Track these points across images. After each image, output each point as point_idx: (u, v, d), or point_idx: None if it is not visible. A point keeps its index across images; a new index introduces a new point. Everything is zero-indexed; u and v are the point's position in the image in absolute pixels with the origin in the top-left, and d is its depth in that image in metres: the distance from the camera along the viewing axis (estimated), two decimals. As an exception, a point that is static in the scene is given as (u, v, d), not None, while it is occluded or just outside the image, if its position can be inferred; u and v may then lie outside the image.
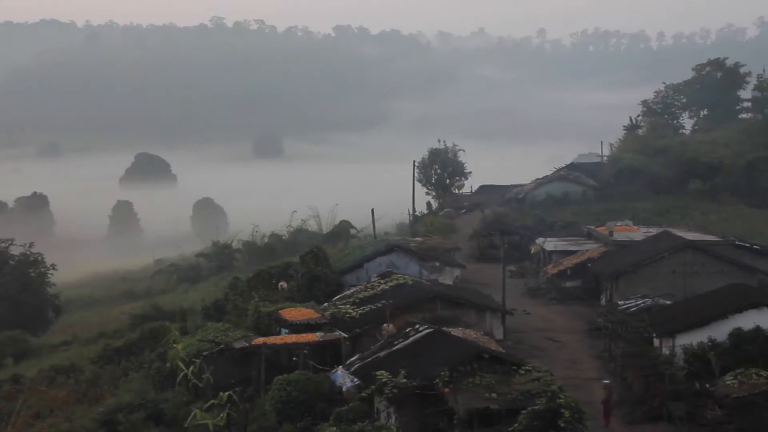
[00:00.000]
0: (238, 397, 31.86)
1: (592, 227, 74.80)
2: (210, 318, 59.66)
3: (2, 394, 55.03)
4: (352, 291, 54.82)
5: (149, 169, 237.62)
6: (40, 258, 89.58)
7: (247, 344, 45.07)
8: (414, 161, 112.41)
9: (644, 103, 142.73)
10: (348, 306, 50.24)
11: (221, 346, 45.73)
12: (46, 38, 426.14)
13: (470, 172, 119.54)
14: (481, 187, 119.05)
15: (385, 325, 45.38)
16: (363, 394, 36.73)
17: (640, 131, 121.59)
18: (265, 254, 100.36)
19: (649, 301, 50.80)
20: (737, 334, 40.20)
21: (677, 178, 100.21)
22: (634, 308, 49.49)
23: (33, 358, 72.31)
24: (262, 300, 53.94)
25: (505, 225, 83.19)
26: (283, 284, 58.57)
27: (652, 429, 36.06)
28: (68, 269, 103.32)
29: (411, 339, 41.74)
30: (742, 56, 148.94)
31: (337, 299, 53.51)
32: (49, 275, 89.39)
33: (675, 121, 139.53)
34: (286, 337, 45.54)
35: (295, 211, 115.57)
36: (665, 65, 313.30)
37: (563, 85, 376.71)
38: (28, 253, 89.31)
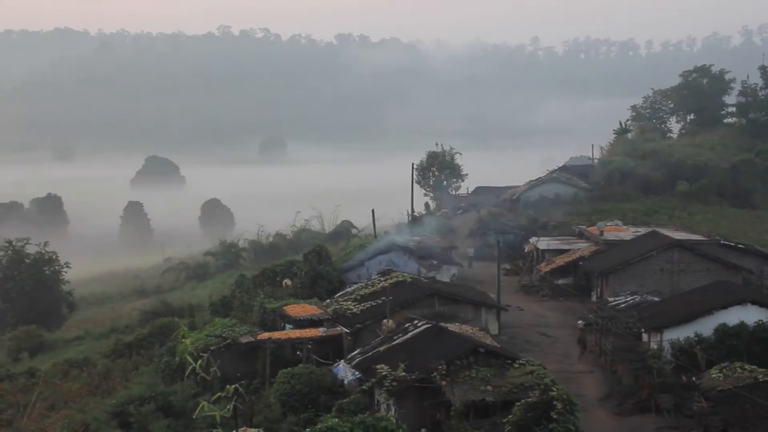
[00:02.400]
0: (244, 390, 31.91)
1: (584, 227, 74.79)
2: (217, 314, 59.67)
3: (18, 386, 55.06)
4: (353, 288, 54.85)
5: (159, 171, 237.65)
6: (54, 257, 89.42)
7: (252, 339, 45.10)
8: (413, 164, 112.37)
9: (633, 108, 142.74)
10: (349, 302, 50.28)
11: (228, 341, 45.75)
12: (61, 46, 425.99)
13: (466, 174, 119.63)
14: (477, 188, 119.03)
15: (384, 320, 45.40)
16: (364, 387, 36.80)
17: (629, 135, 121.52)
18: (270, 253, 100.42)
19: (637, 298, 50.84)
20: (722, 330, 40.25)
21: (665, 180, 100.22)
22: (624, 304, 49.51)
23: (48, 352, 72.22)
24: (267, 297, 53.97)
25: (500, 225, 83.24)
26: (287, 282, 58.62)
27: (640, 420, 36.09)
28: (81, 267, 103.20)
29: (410, 334, 41.78)
30: (726, 63, 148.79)
31: (339, 296, 53.54)
32: (63, 273, 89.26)
33: (663, 126, 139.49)
34: (290, 333, 45.58)
35: (298, 212, 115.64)
36: (653, 72, 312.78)
37: (556, 90, 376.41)
38: (43, 252, 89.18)
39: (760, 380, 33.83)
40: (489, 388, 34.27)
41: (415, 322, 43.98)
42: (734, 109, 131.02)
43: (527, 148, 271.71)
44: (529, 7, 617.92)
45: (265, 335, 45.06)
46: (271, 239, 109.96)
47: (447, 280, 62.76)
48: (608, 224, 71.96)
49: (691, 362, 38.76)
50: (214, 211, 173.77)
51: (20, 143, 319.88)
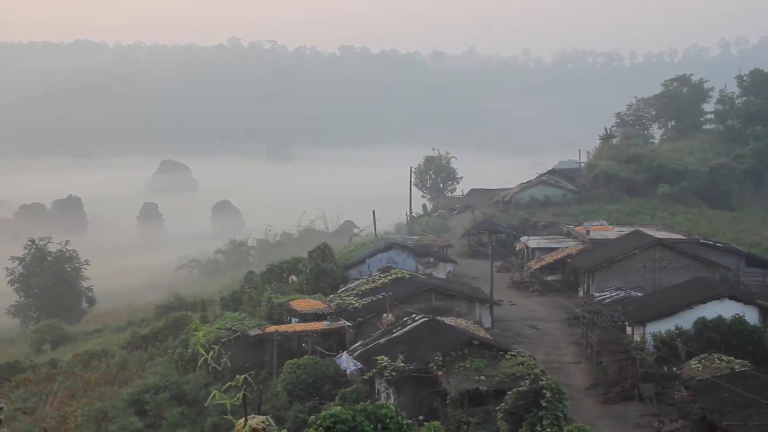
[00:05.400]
0: (252, 380, 31.86)
1: (571, 227, 74.72)
2: (227, 308, 59.61)
3: (41, 376, 55.06)
4: (355, 284, 54.78)
5: (173, 174, 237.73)
6: (74, 254, 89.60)
7: (260, 332, 45.08)
8: (411, 167, 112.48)
9: (618, 115, 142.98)
10: (351, 297, 50.24)
11: (237, 334, 45.74)
12: (81, 57, 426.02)
13: (461, 177, 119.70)
14: (471, 190, 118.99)
15: (384, 314, 45.39)
16: (365, 377, 36.79)
17: (614, 140, 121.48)
18: (277, 251, 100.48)
19: (622, 293, 50.83)
20: (701, 323, 40.27)
21: (647, 182, 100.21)
22: (609, 299, 49.50)
23: (68, 344, 72.26)
24: (274, 292, 53.90)
25: (492, 225, 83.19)
26: (293, 278, 58.50)
27: (624, 408, 36.10)
28: (100, 264, 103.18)
29: (408, 327, 41.78)
30: (705, 73, 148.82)
31: (342, 291, 53.49)
32: (82, 270, 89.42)
33: (645, 132, 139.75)
34: (296, 326, 45.56)
35: (304, 212, 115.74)
36: (637, 81, 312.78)
37: (545, 98, 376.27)
38: (64, 250, 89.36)
39: (737, 370, 33.84)
40: (482, 377, 34.28)
41: (413, 315, 43.99)
42: (713, 116, 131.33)
43: (519, 153, 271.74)
44: (521, 20, 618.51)
45: (273, 328, 45.05)
46: (278, 238, 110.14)
47: (443, 276, 62.71)
48: (594, 224, 71.94)
49: (672, 354, 38.75)
50: (224, 211, 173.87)
51: (43, 148, 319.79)
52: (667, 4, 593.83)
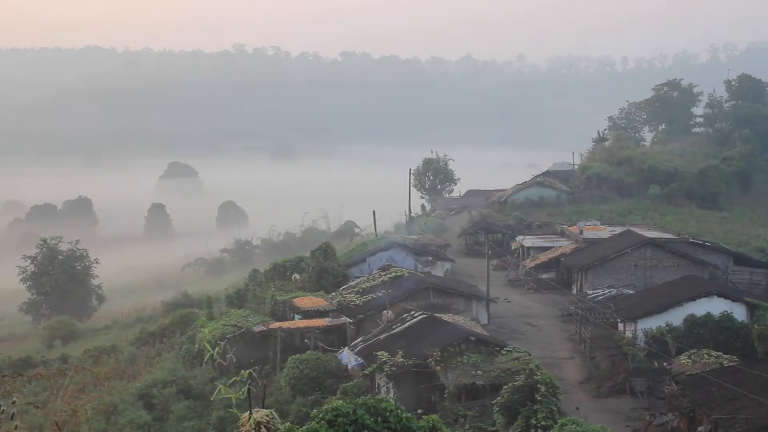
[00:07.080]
0: (257, 374, 31.90)
1: (565, 226, 74.72)
2: (233, 305, 59.63)
3: (52, 371, 54.97)
4: (356, 282, 54.81)
5: (180, 175, 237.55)
6: (85, 253, 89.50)
7: (265, 328, 45.11)
8: (410, 169, 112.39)
9: (610, 118, 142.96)
10: (352, 295, 50.27)
11: (242, 330, 45.77)
12: (90, 62, 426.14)
13: (459, 179, 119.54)
14: (469, 191, 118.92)
15: (384, 311, 45.42)
16: (366, 372, 36.83)
17: (606, 143, 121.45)
18: (280, 250, 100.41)
19: (614, 291, 50.83)
20: (691, 320, 40.30)
21: (639, 183, 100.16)
22: (601, 297, 49.50)
23: (79, 340, 72.17)
24: (277, 290, 53.90)
25: (489, 225, 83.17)
26: (296, 276, 58.51)
27: (616, 402, 36.13)
28: (109, 263, 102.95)
29: (407, 324, 41.80)
30: (695, 78, 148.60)
31: (343, 289, 53.50)
32: (92, 268, 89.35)
33: (637, 135, 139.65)
34: (298, 322, 45.58)
35: (306, 213, 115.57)
36: (628, 86, 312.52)
37: (540, 103, 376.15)
38: (75, 249, 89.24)
39: (725, 365, 33.85)
40: (479, 372, 34.31)
41: (412, 312, 44.01)
42: (702, 119, 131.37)
43: (514, 155, 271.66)
44: (516, 27, 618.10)
45: (276, 325, 45.07)
46: (281, 237, 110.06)
47: (441, 274, 62.72)
48: (587, 224, 71.88)
49: (663, 349, 38.77)
50: (229, 212, 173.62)
51: (54, 151, 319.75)
52: (657, 12, 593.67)
